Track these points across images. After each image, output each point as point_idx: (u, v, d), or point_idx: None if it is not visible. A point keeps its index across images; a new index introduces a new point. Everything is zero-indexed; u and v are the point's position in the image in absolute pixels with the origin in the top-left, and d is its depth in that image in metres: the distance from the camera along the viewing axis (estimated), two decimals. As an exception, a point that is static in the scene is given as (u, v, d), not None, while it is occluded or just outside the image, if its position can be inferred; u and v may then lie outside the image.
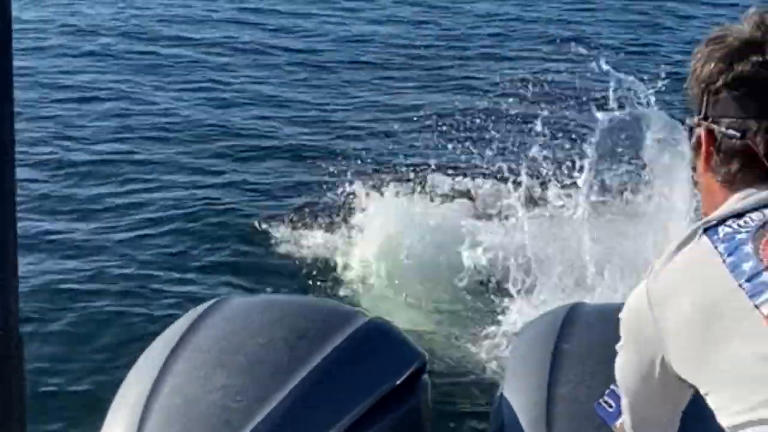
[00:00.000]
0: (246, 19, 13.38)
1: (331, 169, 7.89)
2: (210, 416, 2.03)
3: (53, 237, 6.54)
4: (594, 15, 13.90)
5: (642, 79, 7.09)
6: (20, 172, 7.32)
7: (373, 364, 2.29)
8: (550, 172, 7.87)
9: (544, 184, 7.63)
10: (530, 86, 10.32)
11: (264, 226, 6.74)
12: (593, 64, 10.82)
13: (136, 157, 8.19)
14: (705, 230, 1.50)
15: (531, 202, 7.21)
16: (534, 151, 8.01)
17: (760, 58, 1.53)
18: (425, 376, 2.41)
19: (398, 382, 2.26)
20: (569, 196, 7.35)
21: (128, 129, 8.82)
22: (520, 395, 2.24)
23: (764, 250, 1.43)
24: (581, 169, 7.48)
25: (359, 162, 8.04)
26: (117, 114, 9.21)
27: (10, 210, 1.73)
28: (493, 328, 5.30)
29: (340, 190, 7.35)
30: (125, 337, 5.20)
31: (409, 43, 12.22)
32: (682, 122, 1.70)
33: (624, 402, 1.79)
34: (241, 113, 9.41)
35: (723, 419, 1.43)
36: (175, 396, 2.08)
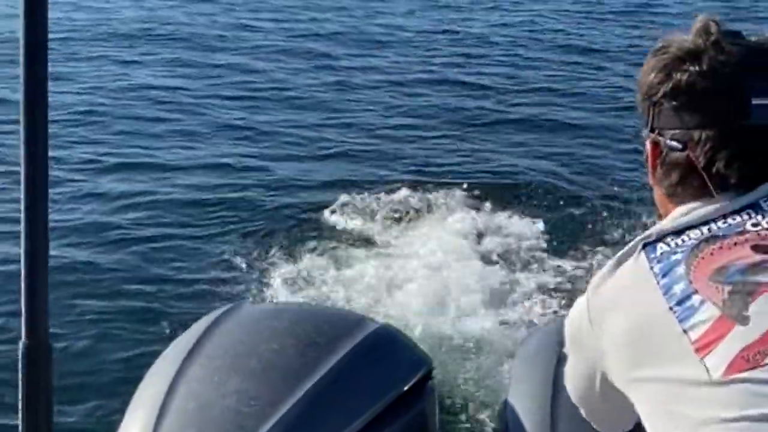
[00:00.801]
0: (273, 24, 13.50)
1: (345, 175, 7.90)
2: (224, 420, 2.03)
3: (69, 245, 6.56)
4: (603, 22, 13.94)
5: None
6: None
7: (382, 369, 2.29)
8: (562, 179, 7.89)
9: (555, 191, 7.65)
10: (548, 91, 10.37)
11: (276, 233, 6.75)
12: (611, 71, 10.93)
13: (153, 161, 8.22)
14: (644, 246, 1.46)
15: (543, 209, 7.22)
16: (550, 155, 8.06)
17: (698, 68, 1.47)
18: (432, 382, 2.41)
19: (406, 388, 2.26)
20: (583, 203, 7.37)
21: (147, 132, 8.86)
22: (524, 401, 2.24)
23: (695, 272, 1.38)
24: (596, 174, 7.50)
25: (374, 167, 8.05)
26: (142, 117, 9.27)
27: (42, 220, 1.73)
28: (498, 334, 5.29)
29: (350, 197, 7.36)
30: (141, 343, 5.21)
31: (435, 49, 12.31)
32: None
33: (572, 399, 1.78)
34: (257, 121, 9.42)
35: None
36: (190, 400, 2.08)
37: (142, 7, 14.39)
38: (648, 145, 1.55)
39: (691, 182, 1.49)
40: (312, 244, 6.64)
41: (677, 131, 1.49)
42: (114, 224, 6.92)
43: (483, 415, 4.48)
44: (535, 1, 15.00)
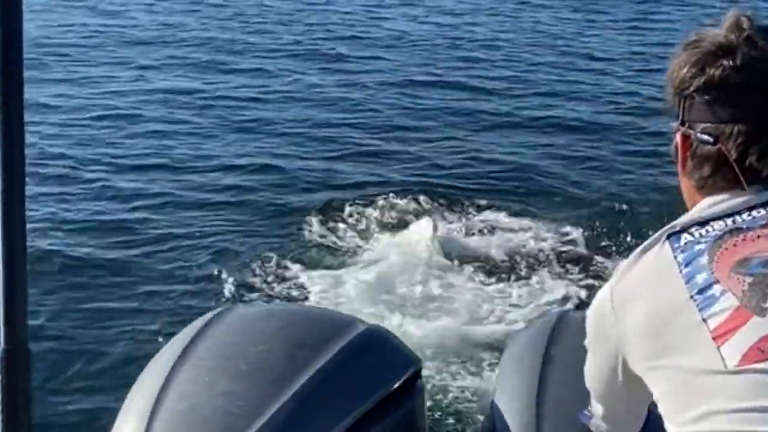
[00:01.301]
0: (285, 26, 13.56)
1: (344, 177, 7.91)
2: (213, 421, 2.03)
3: (63, 250, 6.53)
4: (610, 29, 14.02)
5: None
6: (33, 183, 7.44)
7: (371, 369, 2.29)
8: (558, 181, 7.91)
9: (550, 194, 7.67)
10: (549, 95, 10.40)
11: (272, 235, 6.75)
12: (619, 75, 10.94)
13: (152, 162, 8.21)
14: (669, 236, 1.47)
15: (537, 211, 7.24)
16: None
17: (731, 63, 1.46)
18: (420, 381, 2.41)
19: (394, 387, 2.26)
20: (578, 205, 7.39)
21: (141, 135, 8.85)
22: (510, 399, 2.24)
23: (717, 263, 1.39)
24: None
25: (376, 168, 8.06)
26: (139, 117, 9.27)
27: (20, 224, 1.71)
28: (485, 334, 5.30)
29: (348, 199, 7.38)
30: (134, 346, 5.20)
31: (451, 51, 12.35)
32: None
33: (593, 401, 1.78)
34: (263, 123, 9.45)
35: (669, 427, 1.40)
36: (181, 402, 2.08)
37: (155, 12, 14.46)
38: (678, 138, 1.54)
39: (723, 175, 1.48)
40: (307, 245, 6.65)
41: (709, 125, 1.48)
42: (108, 226, 6.92)
43: (471, 414, 4.48)
44: (537, 8, 15.15)
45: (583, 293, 6.01)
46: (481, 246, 6.69)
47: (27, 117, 1.70)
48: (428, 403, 2.52)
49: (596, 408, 1.78)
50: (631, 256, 1.50)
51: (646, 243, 1.49)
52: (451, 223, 7.10)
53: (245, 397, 2.07)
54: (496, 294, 5.90)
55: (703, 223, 1.45)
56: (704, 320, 1.35)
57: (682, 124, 1.53)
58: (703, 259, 1.40)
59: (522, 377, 2.27)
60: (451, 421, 4.51)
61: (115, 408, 2.17)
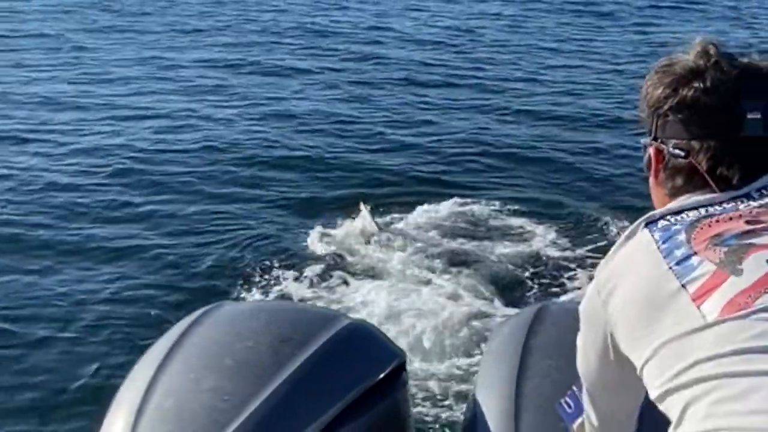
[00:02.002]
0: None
1: (326, 182, 7.90)
2: (199, 416, 2.02)
3: (67, 246, 6.52)
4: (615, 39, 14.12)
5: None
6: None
7: (355, 362, 2.29)
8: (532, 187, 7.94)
9: (540, 193, 7.70)
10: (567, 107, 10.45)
11: (258, 236, 6.73)
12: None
13: (140, 175, 8.17)
14: (647, 224, 1.54)
15: (522, 210, 7.27)
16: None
17: (702, 85, 1.57)
18: (405, 374, 2.41)
19: (378, 379, 2.26)
20: (565, 202, 7.42)
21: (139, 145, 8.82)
22: (491, 389, 2.24)
23: (694, 240, 1.46)
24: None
25: (357, 175, 8.05)
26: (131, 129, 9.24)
27: None
28: (468, 327, 5.30)
29: (330, 200, 7.38)
30: (126, 343, 5.18)
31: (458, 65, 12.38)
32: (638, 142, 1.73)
33: (586, 395, 1.80)
34: (251, 134, 9.41)
35: (651, 393, 1.44)
36: (168, 397, 2.07)
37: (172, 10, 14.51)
38: (651, 152, 1.64)
39: (695, 184, 1.58)
40: (303, 245, 6.64)
41: (681, 141, 1.59)
42: (93, 228, 6.89)
43: (453, 405, 4.49)
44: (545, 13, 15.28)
45: (564, 285, 6.03)
46: (467, 239, 6.71)
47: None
48: (412, 395, 2.51)
49: (588, 400, 1.80)
50: (615, 245, 1.57)
51: (626, 232, 1.56)
52: (437, 216, 7.11)
53: (231, 391, 2.07)
54: (480, 289, 5.90)
55: (678, 212, 1.53)
56: (683, 286, 1.41)
57: (655, 139, 1.63)
58: (681, 237, 1.47)
59: (502, 368, 2.28)
60: (434, 411, 4.51)
61: (105, 404, 2.17)
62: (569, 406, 1.96)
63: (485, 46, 13.32)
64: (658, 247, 1.48)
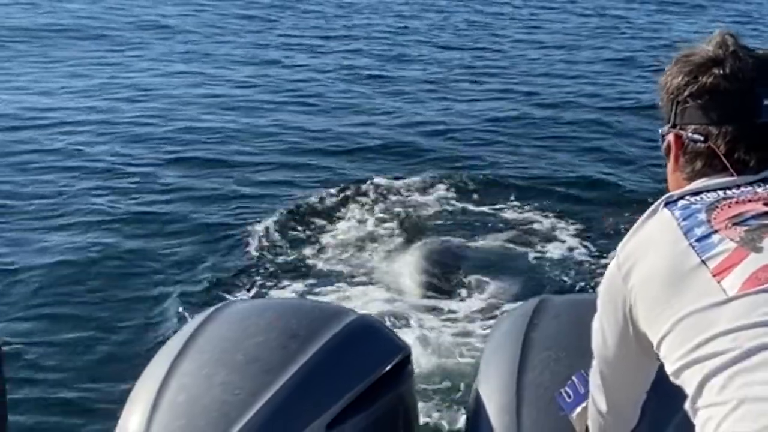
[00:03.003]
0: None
1: (332, 176, 7.90)
2: (211, 410, 2.03)
3: (70, 246, 6.51)
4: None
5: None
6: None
7: (361, 355, 2.29)
8: (549, 172, 7.91)
9: (553, 183, 7.68)
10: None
11: (268, 234, 6.73)
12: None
13: (153, 168, 8.18)
14: (666, 204, 1.55)
15: (529, 204, 7.25)
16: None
17: (721, 71, 1.59)
18: (409, 367, 2.40)
19: (384, 372, 2.25)
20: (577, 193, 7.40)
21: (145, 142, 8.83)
22: (493, 381, 2.23)
23: (714, 219, 1.47)
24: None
25: (360, 169, 8.05)
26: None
27: None
28: (470, 321, 5.30)
29: (336, 194, 7.37)
30: (141, 341, 5.18)
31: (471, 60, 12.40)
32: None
33: (597, 379, 1.79)
34: (255, 128, 9.41)
35: (667, 367, 1.44)
36: (181, 392, 2.08)
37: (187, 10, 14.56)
38: (671, 138, 1.66)
39: (714, 167, 1.59)
40: (308, 239, 6.64)
41: (699, 126, 1.60)
42: (110, 223, 6.89)
43: (457, 398, 4.48)
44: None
45: (566, 278, 6.02)
46: (471, 234, 6.69)
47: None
48: (417, 387, 2.52)
49: (599, 384, 1.79)
50: (634, 226, 1.59)
51: (646, 213, 1.58)
52: (445, 211, 7.11)
53: (242, 386, 2.07)
54: (482, 283, 5.90)
55: (696, 193, 1.55)
56: (703, 262, 1.42)
57: (674, 126, 1.65)
58: (701, 216, 1.49)
59: (503, 360, 2.27)
60: (439, 403, 4.50)
61: (121, 400, 2.17)
62: (569, 396, 1.96)
63: (505, 40, 13.35)
64: (679, 225, 1.49)
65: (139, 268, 6.20)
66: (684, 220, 1.49)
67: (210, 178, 7.88)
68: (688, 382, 1.38)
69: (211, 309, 2.43)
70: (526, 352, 2.24)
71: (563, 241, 6.62)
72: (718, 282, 1.39)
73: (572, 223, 6.93)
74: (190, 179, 7.85)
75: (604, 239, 6.56)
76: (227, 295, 5.65)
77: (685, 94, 1.61)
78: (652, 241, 1.52)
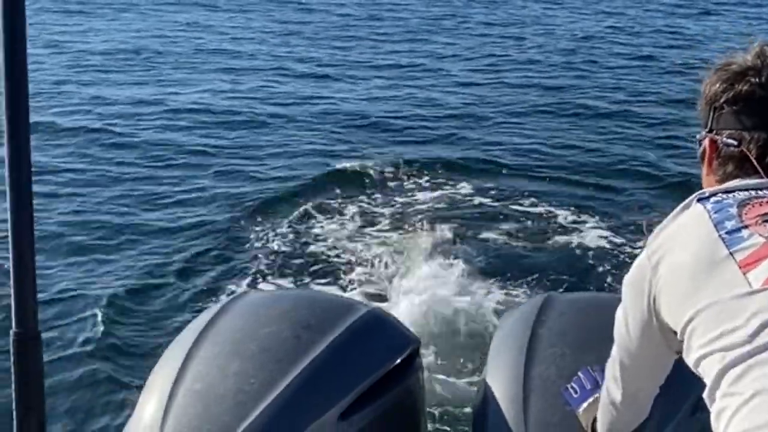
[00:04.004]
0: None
1: (344, 170, 7.89)
2: (226, 398, 2.02)
3: (87, 235, 6.53)
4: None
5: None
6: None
7: (372, 348, 2.28)
8: (570, 166, 7.88)
9: (567, 179, 7.65)
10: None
11: (280, 227, 6.74)
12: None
13: (177, 162, 8.19)
14: (699, 200, 1.56)
15: (541, 200, 7.22)
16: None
17: (758, 80, 1.61)
18: (419, 359, 2.39)
19: (395, 364, 2.24)
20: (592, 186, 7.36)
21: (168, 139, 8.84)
22: (501, 374, 2.22)
23: (746, 214, 1.48)
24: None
25: (372, 164, 8.05)
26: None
27: (28, 214, 1.68)
28: (478, 316, 5.28)
29: (348, 188, 7.37)
30: (156, 332, 5.19)
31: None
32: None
33: (615, 370, 1.78)
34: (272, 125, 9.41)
35: (690, 356, 1.43)
36: (197, 381, 2.07)
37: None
38: (706, 143, 1.67)
39: (745, 170, 1.61)
40: (320, 233, 6.64)
41: (734, 131, 1.62)
42: (129, 220, 6.90)
43: (465, 390, 4.46)
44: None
45: (574, 276, 5.99)
46: (482, 229, 6.68)
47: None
48: (426, 379, 2.51)
49: (617, 376, 1.78)
50: (666, 219, 1.59)
51: (679, 207, 1.59)
52: (458, 203, 7.10)
53: (256, 376, 2.06)
54: (490, 278, 5.88)
55: (728, 191, 1.56)
56: (731, 254, 1.42)
57: (710, 131, 1.66)
58: (732, 210, 1.50)
59: (511, 354, 2.26)
60: (447, 396, 4.49)
61: (138, 387, 2.17)
62: (575, 391, 1.95)
63: (529, 46, 13.36)
64: (710, 217, 1.50)
65: (156, 259, 6.22)
66: (715, 213, 1.50)
67: (227, 175, 7.90)
68: (707, 371, 1.37)
69: (226, 299, 2.42)
70: (533, 347, 2.23)
71: (580, 237, 6.59)
72: (744, 274, 1.39)
73: (590, 219, 6.89)
74: (206, 176, 7.87)
75: (621, 237, 6.52)
76: (241, 287, 5.65)
77: (722, 100, 1.63)
78: (683, 233, 1.53)
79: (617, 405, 1.81)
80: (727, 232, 1.46)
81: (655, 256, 1.56)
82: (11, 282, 1.69)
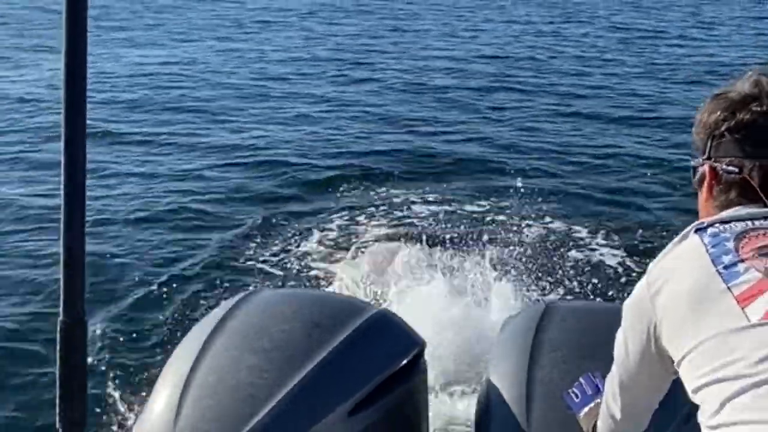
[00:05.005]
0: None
1: (352, 178, 7.89)
2: (239, 391, 2.03)
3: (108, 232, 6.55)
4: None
5: None
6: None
7: (379, 348, 2.29)
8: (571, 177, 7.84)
9: (569, 188, 7.62)
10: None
11: (290, 228, 6.75)
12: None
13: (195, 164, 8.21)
14: (696, 230, 1.55)
15: (538, 213, 7.20)
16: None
17: (759, 108, 1.59)
18: (423, 360, 2.40)
19: (400, 365, 2.25)
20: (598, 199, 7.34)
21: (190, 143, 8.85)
22: (503, 377, 2.23)
23: (742, 248, 1.47)
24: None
25: (379, 172, 8.04)
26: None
27: (80, 210, 1.70)
28: (482, 319, 5.27)
29: (361, 195, 7.37)
30: (171, 323, 5.19)
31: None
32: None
33: (614, 387, 1.79)
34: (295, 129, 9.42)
35: (689, 384, 1.44)
36: (211, 374, 2.08)
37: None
38: (705, 169, 1.65)
39: (747, 197, 1.60)
40: (333, 236, 6.65)
41: (734, 159, 1.61)
42: (153, 216, 6.92)
43: (469, 391, 4.46)
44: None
45: (573, 285, 5.98)
46: (487, 234, 6.66)
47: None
48: (430, 380, 2.51)
49: (615, 393, 1.79)
50: (666, 248, 1.59)
51: (678, 237, 1.58)
52: (458, 213, 7.08)
53: (268, 371, 2.07)
54: (493, 283, 5.87)
55: (725, 222, 1.55)
56: (728, 288, 1.42)
57: (709, 158, 1.64)
58: (729, 245, 1.48)
59: (513, 358, 2.27)
60: (450, 396, 4.49)
61: (152, 378, 2.18)
62: (576, 396, 1.95)
63: (539, 58, 13.37)
64: (707, 251, 1.49)
65: (174, 254, 6.24)
66: (713, 247, 1.49)
67: (248, 177, 7.91)
68: (707, 399, 1.37)
69: (239, 296, 2.43)
70: (535, 352, 2.24)
71: (582, 246, 6.56)
72: (742, 308, 1.38)
73: (594, 229, 6.86)
74: (225, 177, 7.89)
75: (622, 249, 6.49)
76: (254, 284, 5.66)
77: (722, 128, 1.61)
78: (681, 264, 1.53)
79: (616, 419, 1.82)
80: (724, 267, 1.45)
81: (655, 286, 1.55)
82: (61, 273, 1.70)
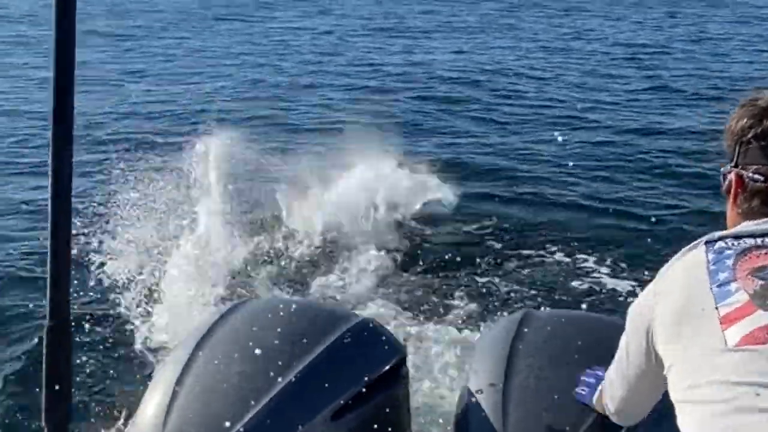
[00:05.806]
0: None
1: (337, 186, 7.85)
2: (226, 397, 2.05)
3: (102, 237, 6.51)
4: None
5: None
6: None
7: (362, 356, 2.31)
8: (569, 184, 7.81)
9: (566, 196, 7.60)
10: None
11: (274, 241, 6.72)
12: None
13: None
14: (707, 243, 1.55)
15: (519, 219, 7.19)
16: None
17: None
18: (405, 368, 2.42)
19: (382, 372, 2.27)
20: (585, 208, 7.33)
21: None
22: (481, 383, 2.26)
23: (739, 266, 1.47)
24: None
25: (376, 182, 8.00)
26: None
27: (66, 214, 1.71)
28: (461, 327, 5.29)
29: (352, 205, 7.34)
30: (162, 332, 5.18)
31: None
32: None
33: (612, 386, 1.82)
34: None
35: (672, 393, 1.46)
36: (199, 380, 2.10)
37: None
38: (732, 177, 1.63)
39: None
40: (319, 246, 6.62)
41: (761, 166, 1.58)
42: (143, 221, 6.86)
43: (448, 398, 4.47)
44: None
45: (547, 295, 5.99)
46: (470, 246, 6.66)
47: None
48: (411, 387, 2.54)
49: (612, 392, 1.83)
50: (673, 258, 1.60)
51: (687, 246, 1.59)
52: (444, 223, 7.08)
53: (254, 376, 2.09)
54: (473, 292, 5.89)
55: (737, 237, 1.54)
56: (716, 308, 1.42)
57: (736, 165, 1.62)
58: (729, 262, 1.48)
59: (491, 365, 2.29)
60: (430, 402, 4.50)
61: (144, 383, 2.19)
62: (584, 390, 2.03)
63: (542, 69, 13.39)
64: (707, 268, 1.49)
65: (165, 259, 6.20)
66: (714, 264, 1.49)
67: (246, 186, 7.86)
68: (683, 414, 1.41)
69: (227, 306, 2.45)
70: (512, 359, 2.26)
71: (565, 256, 6.54)
72: (723, 330, 1.39)
73: (592, 249, 6.78)
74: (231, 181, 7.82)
75: (606, 263, 6.47)
76: (241, 293, 5.66)
77: (749, 135, 1.59)
78: (682, 277, 1.53)
79: (613, 417, 1.88)
80: (718, 285, 1.45)
81: (657, 294, 1.57)
82: (48, 278, 1.71)
